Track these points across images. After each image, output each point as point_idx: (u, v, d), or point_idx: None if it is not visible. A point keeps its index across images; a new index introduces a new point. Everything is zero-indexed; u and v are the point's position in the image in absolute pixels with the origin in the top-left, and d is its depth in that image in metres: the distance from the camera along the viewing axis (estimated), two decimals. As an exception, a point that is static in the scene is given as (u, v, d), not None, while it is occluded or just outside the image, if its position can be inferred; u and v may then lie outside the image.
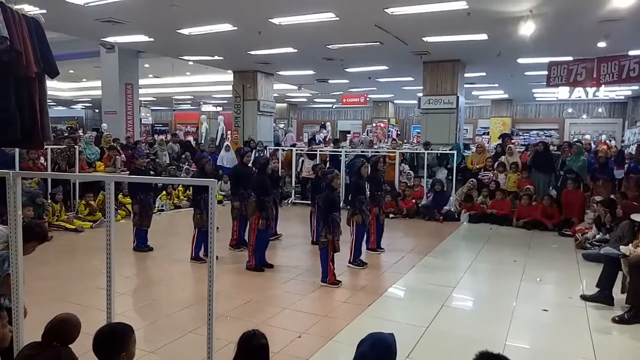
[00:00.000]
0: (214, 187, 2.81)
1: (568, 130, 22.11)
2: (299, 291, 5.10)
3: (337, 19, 7.72)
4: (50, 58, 2.68)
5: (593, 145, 13.48)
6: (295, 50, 10.68)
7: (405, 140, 21.54)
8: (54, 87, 22.18)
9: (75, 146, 9.23)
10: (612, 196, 7.68)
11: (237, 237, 6.76)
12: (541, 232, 8.32)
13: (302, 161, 11.73)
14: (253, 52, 11.09)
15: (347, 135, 22.25)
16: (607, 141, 18.03)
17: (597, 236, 6.99)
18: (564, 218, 8.46)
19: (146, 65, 15.63)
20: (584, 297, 4.85)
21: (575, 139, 17.04)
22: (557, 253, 7.01)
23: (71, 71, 18.35)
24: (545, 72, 9.84)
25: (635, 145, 12.79)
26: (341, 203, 5.97)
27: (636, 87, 15.66)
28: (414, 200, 9.80)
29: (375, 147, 12.66)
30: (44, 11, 7.41)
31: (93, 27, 8.68)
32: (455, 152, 10.30)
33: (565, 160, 9.14)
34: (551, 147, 10.66)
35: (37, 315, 2.73)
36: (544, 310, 4.58)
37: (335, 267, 5.31)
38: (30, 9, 7.31)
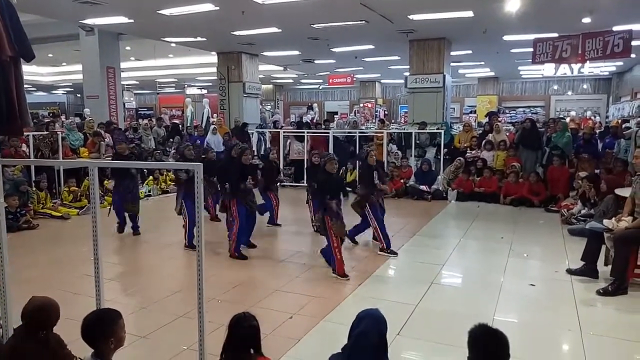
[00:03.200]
0: (200, 171, 2.77)
1: (554, 107, 22.28)
2: (290, 273, 5.11)
3: (322, -3, 7.60)
4: (25, 41, 2.58)
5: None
6: (280, 30, 10.51)
7: (393, 120, 21.55)
8: (33, 72, 21.60)
9: (58, 132, 9.05)
10: (596, 171, 7.80)
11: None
12: (528, 208, 8.43)
13: (290, 143, 11.67)
14: (237, 33, 10.89)
15: (335, 116, 22.15)
16: (592, 117, 18.23)
17: (583, 211, 7.11)
18: (550, 194, 8.57)
19: (127, 48, 15.25)
20: (570, 271, 4.94)
21: (560, 116, 17.20)
22: (543, 229, 7.11)
23: (50, 55, 17.85)
24: (531, 49, 9.84)
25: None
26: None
27: (620, 63, 15.77)
28: (402, 181, 9.83)
29: (363, 127, 12.61)
30: (19, -8, 7.16)
31: (71, 8, 8.42)
32: (443, 131, 10.32)
33: (551, 136, 9.21)
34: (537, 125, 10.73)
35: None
36: (531, 284, 4.66)
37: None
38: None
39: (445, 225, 7.81)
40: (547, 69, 13.51)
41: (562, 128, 9.22)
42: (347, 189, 6.18)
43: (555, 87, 21.60)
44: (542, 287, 4.66)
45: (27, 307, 2.36)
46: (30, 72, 21.20)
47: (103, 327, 2.19)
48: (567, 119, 13.33)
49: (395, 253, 5.72)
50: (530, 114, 20.48)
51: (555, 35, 9.59)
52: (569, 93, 21.57)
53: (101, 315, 2.30)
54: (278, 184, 7.37)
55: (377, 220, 5.76)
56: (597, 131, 11.34)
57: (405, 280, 5.06)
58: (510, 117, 19.83)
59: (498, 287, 4.61)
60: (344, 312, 3.88)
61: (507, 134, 10.43)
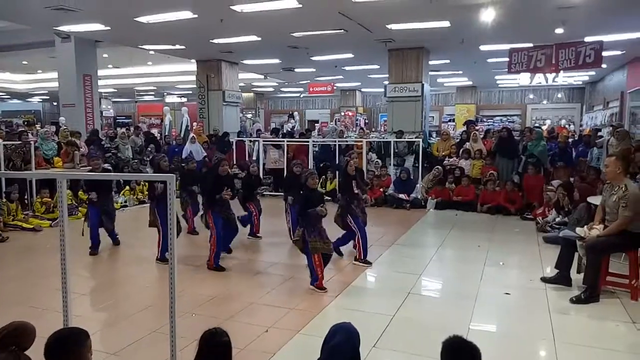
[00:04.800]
0: (172, 182, 2.73)
1: (530, 116, 22.74)
2: (267, 285, 5.05)
3: (300, 6, 7.61)
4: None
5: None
6: (259, 39, 10.50)
7: (373, 129, 21.68)
8: (7, 80, 21.13)
9: (31, 142, 8.83)
10: (570, 179, 7.95)
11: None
12: (504, 216, 8.53)
13: (266, 152, 11.60)
14: (216, 41, 10.84)
15: (315, 124, 22.18)
16: (567, 126, 18.66)
17: (557, 219, 7.22)
18: (525, 202, 8.70)
19: (105, 55, 15.03)
20: (544, 279, 5.00)
21: (536, 124, 17.54)
22: (519, 237, 7.20)
23: (24, 62, 17.52)
24: (507, 59, 10.04)
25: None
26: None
27: (593, 73, 16.20)
28: (381, 189, 9.87)
29: (344, 136, 12.64)
30: (-11, -1, 7.01)
31: (44, 15, 8.25)
32: (421, 139, 10.41)
33: (527, 145, 9.38)
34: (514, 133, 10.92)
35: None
36: (506, 293, 4.70)
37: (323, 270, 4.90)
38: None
39: (424, 234, 7.85)
40: (523, 78, 13.79)
41: (538, 137, 9.40)
42: (327, 198, 6.10)
43: (531, 96, 22.08)
44: (518, 296, 4.70)
45: (4, 329, 2.28)
46: (5, 79, 20.73)
47: (68, 349, 2.11)
48: (543, 127, 13.60)
49: (369, 263, 5.70)
50: (507, 123, 20.88)
51: (530, 45, 9.81)
52: (545, 102, 22.08)
53: (66, 336, 2.20)
54: (257, 195, 7.28)
55: (359, 230, 5.74)
56: (571, 140, 11.58)
57: (383, 291, 5.05)
58: (488, 125, 20.15)
59: (474, 296, 4.63)
60: (321, 324, 3.83)
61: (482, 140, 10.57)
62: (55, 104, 25.75)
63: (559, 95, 20.97)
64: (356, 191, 5.86)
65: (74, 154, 8.97)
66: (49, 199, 8.27)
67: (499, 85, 21.74)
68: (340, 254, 5.98)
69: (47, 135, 9.93)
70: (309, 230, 4.82)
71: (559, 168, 8.88)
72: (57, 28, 10.20)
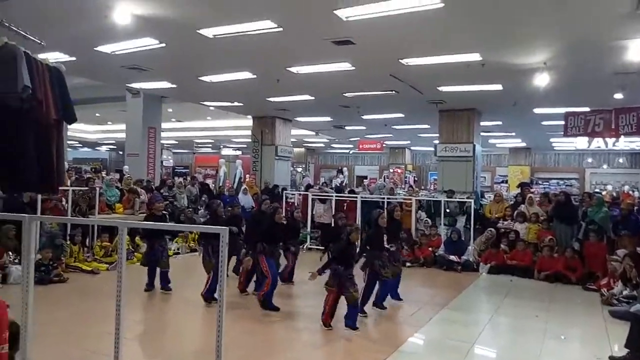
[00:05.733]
0: (226, 235, 2.81)
1: (589, 180, 21.81)
2: (311, 342, 4.94)
3: (353, 68, 7.92)
4: (69, 105, 2.78)
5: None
6: (313, 98, 10.93)
7: (423, 187, 21.48)
8: (81, 130, 23.00)
9: (97, 187, 9.43)
10: (638, 249, 7.42)
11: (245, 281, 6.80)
12: (564, 285, 8.01)
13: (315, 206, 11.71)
14: (271, 99, 11.38)
15: (364, 180, 22.29)
16: (630, 192, 17.66)
17: (625, 292, 6.69)
18: (587, 271, 8.15)
19: (169, 110, 16.15)
20: (613, 358, 4.57)
21: (596, 189, 16.75)
22: (581, 308, 6.70)
23: (97, 114, 19.04)
24: (563, 122, 9.82)
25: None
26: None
27: (657, 138, 15.46)
28: (430, 249, 9.61)
29: (394, 193, 12.58)
30: (74, 58, 7.81)
31: (119, 73, 9.06)
32: (473, 200, 10.18)
33: (587, 211, 8.93)
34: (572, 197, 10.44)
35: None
36: (569, 371, 4.33)
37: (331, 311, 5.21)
38: (59, 57, 7.70)
39: (476, 299, 7.48)
40: (580, 142, 13.39)
41: (598, 202, 8.94)
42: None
43: (590, 160, 21.28)
44: (582, 375, 4.32)
45: None
46: (78, 129, 22.57)
47: None
48: (604, 193, 12.94)
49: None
50: (564, 186, 20.08)
51: (587, 109, 9.59)
52: (605, 166, 21.16)
53: None
54: (301, 246, 7.38)
55: (367, 287, 5.67)
56: (636, 207, 10.90)
57: (433, 357, 4.79)
58: (544, 188, 19.45)
59: (533, 371, 4.30)
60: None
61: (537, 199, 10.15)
62: (120, 153, 27.58)
63: (620, 160, 20.06)
64: (387, 245, 5.80)
65: (135, 201, 9.45)
66: (108, 243, 8.66)
67: (555, 148, 21.16)
68: (383, 307, 5.93)
69: (111, 182, 10.58)
70: (341, 280, 5.07)
71: (624, 237, 8.31)
72: (130, 85, 11.13)
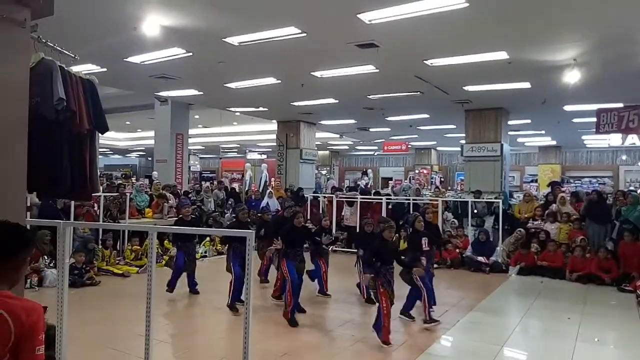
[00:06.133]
0: (251, 239, 2.86)
1: (623, 178, 21.09)
2: (338, 345, 4.96)
3: (377, 70, 7.92)
4: (101, 115, 2.90)
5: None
6: (337, 101, 10.96)
7: (449, 187, 21.20)
8: (112, 137, 23.71)
9: (127, 193, 9.70)
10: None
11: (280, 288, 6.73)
12: (597, 286, 7.78)
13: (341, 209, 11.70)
14: (296, 103, 11.47)
15: (389, 182, 22.16)
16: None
17: (662, 293, 6.46)
18: (622, 272, 7.89)
19: (196, 117, 16.47)
20: (649, 362, 4.43)
21: (631, 187, 16.20)
22: (616, 310, 6.50)
23: (127, 122, 19.59)
24: (594, 119, 9.55)
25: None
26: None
27: (697, 133, 14.83)
28: (458, 251, 9.48)
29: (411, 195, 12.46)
30: (105, 69, 8.08)
31: (148, 82, 9.32)
32: (501, 200, 10.01)
33: (621, 209, 8.65)
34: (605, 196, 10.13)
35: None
36: (603, 375, 4.21)
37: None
38: (91, 68, 7.98)
39: (506, 300, 7.34)
40: (614, 139, 12.97)
41: (633, 201, 8.65)
42: (402, 257, 5.97)
43: (624, 157, 20.57)
44: (617, 379, 4.19)
45: None
46: (109, 137, 23.27)
47: None
48: (639, 191, 12.49)
49: (437, 321, 5.50)
50: (597, 185, 19.48)
51: (620, 105, 9.30)
52: (640, 163, 20.41)
53: None
54: (329, 248, 7.33)
55: (426, 289, 5.55)
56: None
57: (461, 361, 4.74)
58: (575, 187, 18.90)
59: (565, 375, 4.20)
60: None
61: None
62: (150, 159, 28.27)
63: (657, 157, 19.33)
64: (426, 248, 5.72)
65: (164, 205, 9.67)
66: (138, 247, 8.90)
67: (587, 145, 20.56)
68: (410, 317, 5.76)
69: (141, 188, 10.86)
70: (381, 281, 4.89)
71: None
72: (158, 93, 11.42)
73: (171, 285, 6.83)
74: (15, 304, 1.71)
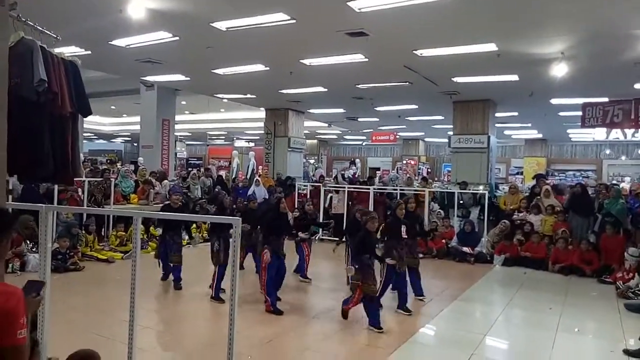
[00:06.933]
0: (238, 226, 2.83)
1: (606, 172, 21.44)
2: (323, 331, 4.99)
3: (367, 60, 7.88)
4: (84, 98, 2.83)
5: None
6: (326, 90, 10.90)
7: (436, 178, 21.35)
8: (97, 122, 23.31)
9: (111, 179, 9.57)
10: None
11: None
12: (579, 278, 7.92)
13: (331, 197, 11.72)
14: (284, 91, 11.38)
15: (377, 172, 22.23)
16: (650, 183, 17.30)
17: (640, 285, 6.60)
18: (603, 264, 8.05)
19: (183, 102, 16.26)
20: (627, 352, 4.52)
21: (613, 181, 16.48)
22: (596, 301, 6.63)
23: (113, 107, 19.28)
24: (580, 113, 9.66)
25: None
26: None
27: (679, 129, 15.10)
28: (444, 241, 9.57)
29: (402, 184, 12.54)
30: (89, 52, 7.90)
31: (133, 67, 9.14)
32: (487, 191, 10.11)
33: (604, 202, 8.79)
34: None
35: (62, 345, 2.75)
36: (582, 364, 4.31)
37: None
38: (75, 51, 7.79)
39: (489, 291, 7.44)
40: (598, 133, 13.15)
41: (616, 194, 8.80)
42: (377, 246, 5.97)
43: (608, 151, 20.92)
44: (595, 368, 4.29)
45: (74, 356, 2.44)
46: (94, 121, 22.89)
47: None
48: (621, 185, 12.72)
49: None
50: (580, 178, 19.79)
51: (606, 99, 9.41)
52: (623, 158, 20.78)
53: None
54: (313, 237, 7.36)
55: (384, 282, 5.55)
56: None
57: (444, 348, 4.80)
58: (559, 179, 19.18)
59: (545, 363, 4.28)
60: (376, 379, 3.70)
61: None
62: (135, 144, 27.91)
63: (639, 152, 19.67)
64: (404, 236, 5.75)
65: (150, 192, 9.57)
66: (123, 233, 8.81)
67: (572, 139, 20.83)
68: (408, 311, 5.71)
69: (127, 173, 10.72)
70: (363, 272, 4.98)
71: (641, 229, 8.19)
72: (144, 78, 11.23)
73: (165, 273, 6.82)
74: None
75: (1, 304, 1.66)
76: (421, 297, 6.24)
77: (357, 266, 5.04)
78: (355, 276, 5.06)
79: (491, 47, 6.95)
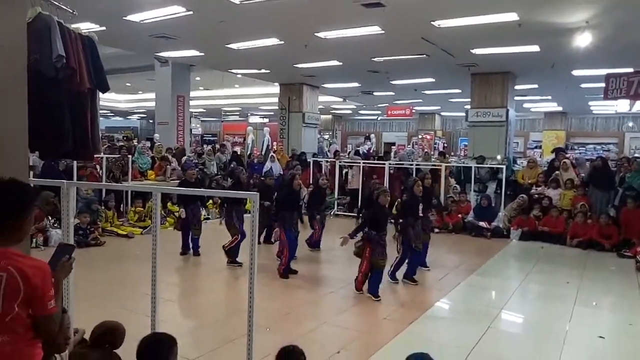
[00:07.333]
0: (257, 200, 2.85)
1: (628, 145, 20.90)
2: (339, 305, 5.06)
3: (383, 32, 7.71)
4: (102, 74, 2.83)
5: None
6: (341, 63, 10.74)
7: (453, 153, 21.10)
8: (112, 99, 23.44)
9: (129, 155, 9.68)
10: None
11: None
12: (597, 252, 7.85)
13: (346, 173, 11.72)
14: (299, 65, 11.25)
15: (392, 147, 22.05)
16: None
17: (661, 259, 6.51)
18: (623, 238, 7.94)
19: (197, 78, 16.20)
20: (646, 326, 4.51)
21: (636, 154, 16.11)
22: (615, 275, 6.58)
23: (128, 84, 19.31)
24: (603, 85, 9.36)
25: None
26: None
27: None
28: (460, 215, 9.52)
29: (419, 159, 12.43)
30: (104, 28, 7.88)
31: (148, 42, 9.11)
32: (505, 165, 9.97)
33: (625, 176, 8.62)
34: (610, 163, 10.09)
35: (86, 318, 2.84)
36: (600, 337, 4.29)
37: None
38: (90, 27, 7.77)
39: (506, 265, 7.43)
40: (621, 105, 12.76)
41: (638, 168, 8.60)
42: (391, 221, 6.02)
43: (631, 124, 20.35)
44: (613, 341, 4.28)
45: (99, 327, 2.54)
46: (110, 99, 23.02)
47: (161, 353, 2.25)
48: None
49: (396, 280, 5.70)
50: (601, 152, 19.35)
51: (630, 70, 9.08)
52: (646, 130, 20.21)
53: (161, 340, 2.33)
54: (328, 213, 7.42)
55: (402, 256, 5.67)
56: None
57: (460, 322, 4.83)
58: (580, 153, 18.79)
59: (562, 337, 4.28)
60: (394, 351, 3.76)
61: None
62: (151, 121, 28.05)
63: (664, 124, 19.11)
64: (420, 214, 5.75)
65: (166, 168, 9.66)
66: (142, 209, 8.96)
67: (593, 112, 20.28)
68: (414, 281, 5.83)
69: (143, 150, 10.82)
70: (372, 246, 5.11)
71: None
72: (158, 54, 11.19)
73: (184, 247, 6.99)
74: (24, 262, 1.76)
75: (30, 278, 1.73)
76: (427, 268, 6.37)
77: (355, 237, 5.20)
78: (358, 250, 5.28)
79: (512, 16, 6.72)
